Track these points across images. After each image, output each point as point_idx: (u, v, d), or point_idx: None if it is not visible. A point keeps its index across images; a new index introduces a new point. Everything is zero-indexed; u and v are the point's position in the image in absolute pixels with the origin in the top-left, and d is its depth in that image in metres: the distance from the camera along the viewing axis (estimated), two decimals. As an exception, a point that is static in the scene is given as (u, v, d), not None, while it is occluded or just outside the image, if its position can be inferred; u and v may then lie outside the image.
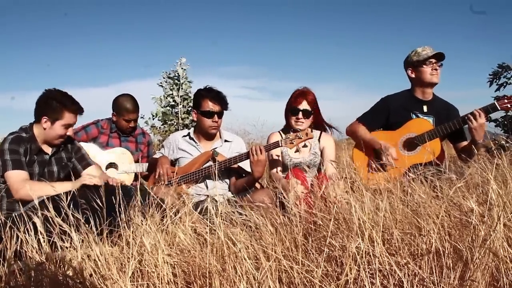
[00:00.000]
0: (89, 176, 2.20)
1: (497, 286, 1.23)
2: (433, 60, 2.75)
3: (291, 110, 2.71)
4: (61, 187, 2.08)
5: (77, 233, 1.49)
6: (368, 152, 2.84)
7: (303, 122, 2.68)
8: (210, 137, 2.74)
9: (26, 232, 1.53)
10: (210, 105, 2.62)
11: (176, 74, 6.64)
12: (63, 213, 1.58)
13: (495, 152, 1.94)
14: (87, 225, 1.56)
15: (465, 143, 2.76)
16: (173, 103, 6.66)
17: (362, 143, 2.83)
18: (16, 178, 2.12)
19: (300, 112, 2.68)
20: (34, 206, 1.69)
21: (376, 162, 2.80)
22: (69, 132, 2.32)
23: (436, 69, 2.75)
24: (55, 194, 1.93)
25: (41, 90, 2.30)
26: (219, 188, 2.57)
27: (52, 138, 2.28)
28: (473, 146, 2.58)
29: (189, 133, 2.78)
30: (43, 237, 1.50)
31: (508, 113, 4.80)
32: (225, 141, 2.78)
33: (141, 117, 6.35)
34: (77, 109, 2.30)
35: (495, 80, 4.91)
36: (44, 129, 2.25)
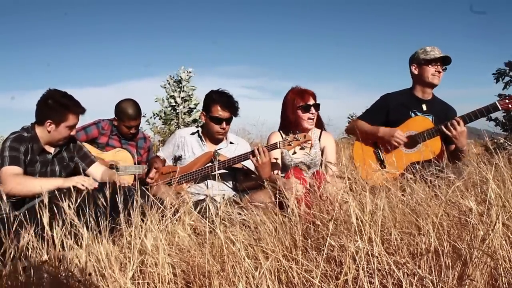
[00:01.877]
0: (82, 180, 2.17)
1: (496, 285, 1.23)
2: (439, 62, 2.77)
3: (303, 107, 2.62)
4: (49, 184, 2.09)
5: (79, 233, 1.50)
6: (368, 149, 2.86)
7: (314, 118, 2.65)
8: (216, 141, 2.74)
9: (29, 230, 1.53)
10: (219, 111, 2.59)
11: (179, 77, 6.83)
12: (63, 212, 1.58)
13: (492, 152, 1.95)
14: (89, 225, 1.56)
15: (453, 146, 2.76)
16: (174, 104, 6.81)
17: (363, 136, 2.85)
18: (8, 172, 2.13)
19: (312, 108, 2.63)
20: (34, 205, 1.69)
21: (377, 157, 2.82)
22: (73, 132, 2.35)
23: (439, 71, 2.78)
24: (42, 190, 1.93)
25: (41, 90, 2.32)
26: (219, 188, 2.58)
27: (57, 140, 2.31)
28: (460, 152, 2.61)
29: (198, 131, 2.77)
30: (44, 236, 1.50)
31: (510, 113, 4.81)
32: (230, 143, 2.77)
33: (143, 116, 6.48)
34: (80, 110, 2.33)
35: (500, 78, 4.91)
36: (49, 132, 2.26)
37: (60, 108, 2.24)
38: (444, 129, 2.58)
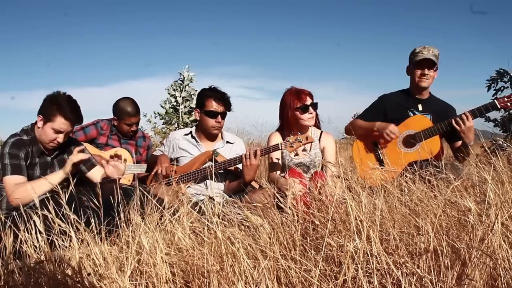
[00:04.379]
0: (75, 156, 2.23)
1: (495, 285, 1.23)
2: (424, 66, 2.75)
3: (301, 108, 2.62)
4: (53, 178, 2.12)
5: (77, 232, 1.49)
6: (367, 148, 2.86)
7: (313, 117, 2.66)
8: (212, 137, 2.73)
9: (25, 231, 1.53)
10: (214, 105, 2.61)
11: (182, 77, 6.96)
12: (62, 211, 1.58)
13: (489, 152, 1.95)
14: (86, 225, 1.56)
15: (460, 143, 2.77)
16: (175, 103, 6.94)
17: (361, 133, 2.87)
18: (12, 183, 2.12)
19: (310, 107, 2.63)
20: (34, 204, 1.68)
21: (376, 157, 2.83)
22: (60, 139, 2.22)
23: (424, 74, 2.77)
24: (50, 188, 1.96)
25: (41, 90, 2.32)
26: (217, 188, 2.57)
27: (43, 140, 2.23)
28: (465, 148, 2.61)
29: (191, 131, 2.77)
30: (42, 236, 1.50)
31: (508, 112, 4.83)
32: (227, 142, 2.77)
33: (144, 115, 6.66)
34: (72, 118, 2.20)
35: (492, 85, 4.97)
36: (38, 128, 2.22)
37: (51, 105, 2.17)
38: (454, 124, 2.58)
